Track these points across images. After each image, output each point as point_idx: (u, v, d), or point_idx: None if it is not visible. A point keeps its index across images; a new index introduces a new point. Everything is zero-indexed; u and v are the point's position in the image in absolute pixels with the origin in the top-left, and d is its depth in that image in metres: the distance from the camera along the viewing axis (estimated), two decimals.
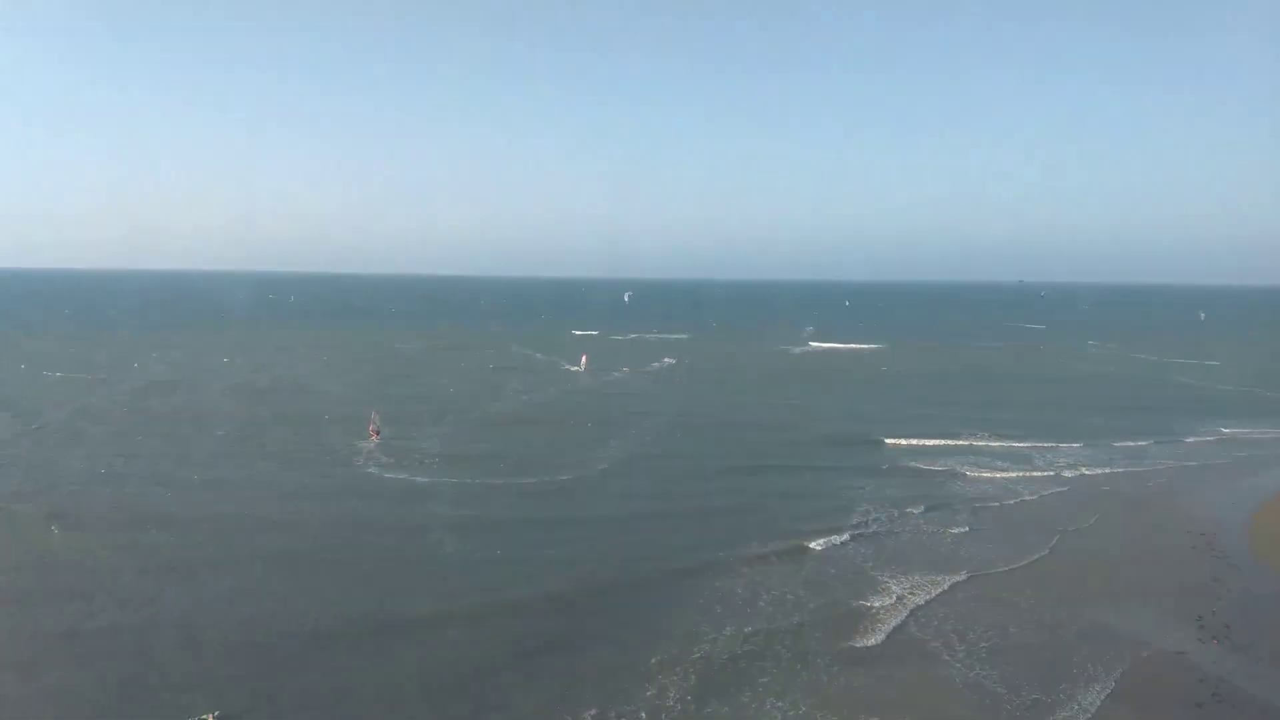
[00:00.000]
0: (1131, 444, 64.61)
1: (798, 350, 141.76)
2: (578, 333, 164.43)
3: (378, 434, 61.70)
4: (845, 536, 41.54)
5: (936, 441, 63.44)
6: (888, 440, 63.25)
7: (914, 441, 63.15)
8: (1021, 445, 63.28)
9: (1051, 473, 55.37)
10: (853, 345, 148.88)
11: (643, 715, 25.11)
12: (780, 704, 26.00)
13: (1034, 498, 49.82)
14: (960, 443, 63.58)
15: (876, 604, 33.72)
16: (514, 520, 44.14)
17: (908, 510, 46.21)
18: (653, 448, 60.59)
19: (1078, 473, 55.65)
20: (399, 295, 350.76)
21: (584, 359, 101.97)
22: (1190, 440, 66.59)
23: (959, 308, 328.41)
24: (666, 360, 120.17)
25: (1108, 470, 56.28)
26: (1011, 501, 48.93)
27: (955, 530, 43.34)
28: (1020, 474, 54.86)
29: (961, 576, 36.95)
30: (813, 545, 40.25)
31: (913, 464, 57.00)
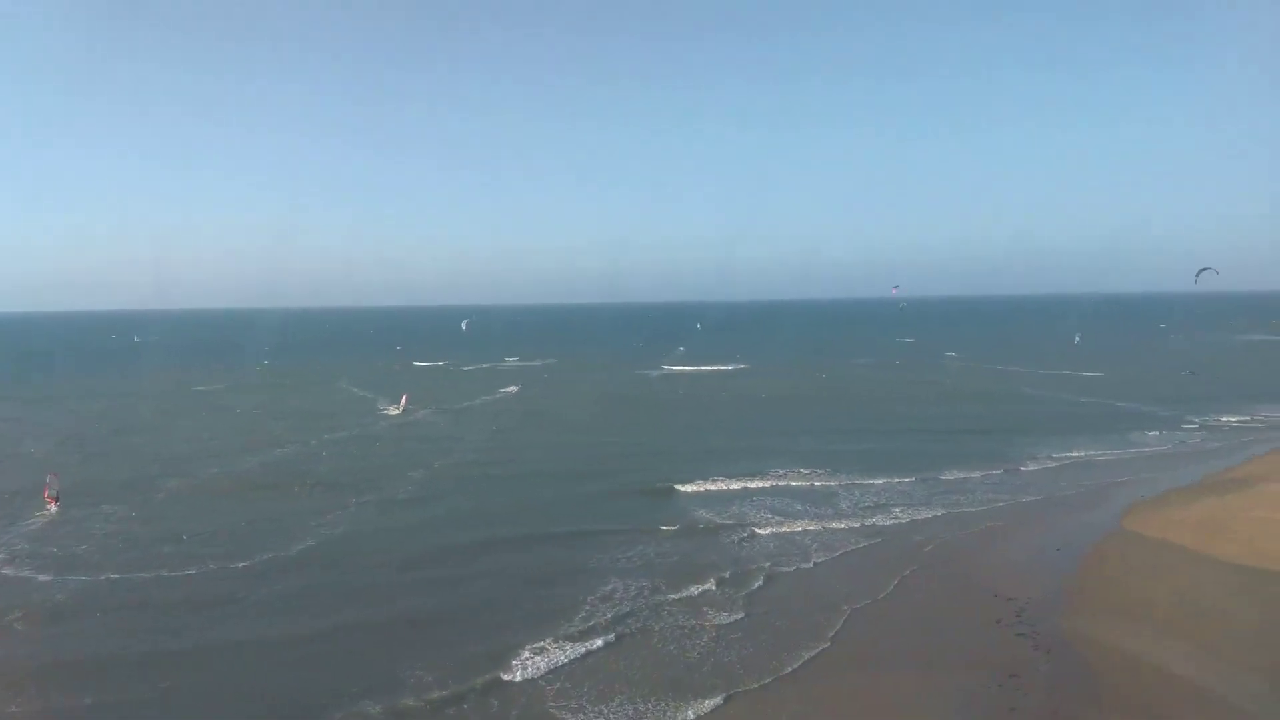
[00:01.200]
0: (962, 475, 56.84)
1: (655, 374, 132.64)
2: (420, 364, 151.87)
3: (56, 501, 49.34)
4: (566, 653, 30.55)
5: (740, 484, 54.03)
6: (684, 487, 53.27)
7: (714, 486, 53.49)
8: (835, 482, 54.51)
9: (858, 521, 46.40)
10: (714, 367, 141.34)
11: None
12: None
13: (832, 557, 40.71)
14: (766, 484, 54.32)
15: None
16: (99, 643, 31.52)
17: (668, 595, 35.92)
18: (399, 517, 48.68)
19: (890, 518, 46.99)
20: (278, 329, 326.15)
21: (404, 399, 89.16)
22: (1030, 468, 59.36)
23: (849, 323, 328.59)
24: (508, 390, 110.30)
25: (925, 513, 47.88)
26: (807, 565, 39.65)
27: (722, 620, 33.38)
28: (823, 525, 45.67)
29: (716, 700, 26.81)
30: (509, 674, 28.85)
31: (702, 517, 47.19)
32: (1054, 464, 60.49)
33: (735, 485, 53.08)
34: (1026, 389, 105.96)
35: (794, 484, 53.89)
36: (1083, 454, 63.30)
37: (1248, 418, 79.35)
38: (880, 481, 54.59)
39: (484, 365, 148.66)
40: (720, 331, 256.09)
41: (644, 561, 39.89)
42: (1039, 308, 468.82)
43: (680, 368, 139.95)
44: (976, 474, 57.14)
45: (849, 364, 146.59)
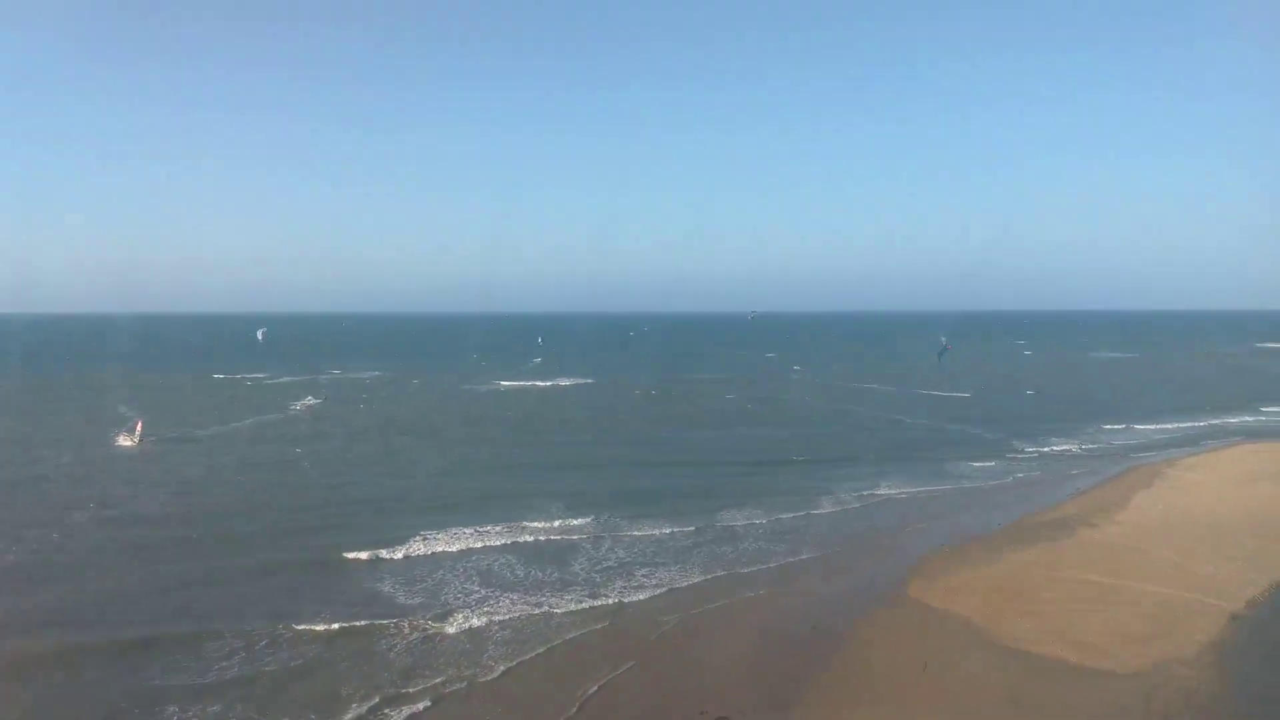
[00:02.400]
0: (745, 520, 47.78)
1: (484, 389, 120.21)
2: (219, 376, 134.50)
3: None
4: None
5: (464, 542, 42.73)
6: (387, 552, 41.17)
7: (427, 547, 41.87)
8: (583, 534, 44.35)
9: (588, 594, 35.92)
10: (553, 382, 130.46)
11: None
12: None
13: (530, 658, 30.00)
14: (499, 538, 43.38)
15: None
16: None
17: None
18: None
19: (632, 586, 36.95)
20: (119, 334, 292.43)
21: (139, 426, 73.12)
22: (825, 510, 51.01)
23: (720, 336, 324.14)
24: (294, 409, 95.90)
25: (678, 576, 38.13)
26: (491, 675, 28.81)
27: None
28: (541, 602, 34.90)
29: None
30: None
31: (383, 598, 35.69)
32: (856, 503, 52.19)
33: (456, 546, 41.78)
34: (860, 408, 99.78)
35: (533, 537, 43.11)
36: (891, 490, 55.46)
37: (1076, 445, 74.38)
38: (642, 531, 44.58)
39: (295, 379, 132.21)
40: (600, 346, 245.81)
41: (247, 687, 27.69)
42: (919, 323, 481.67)
43: (516, 383, 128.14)
44: (762, 518, 47.99)
45: (693, 379, 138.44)
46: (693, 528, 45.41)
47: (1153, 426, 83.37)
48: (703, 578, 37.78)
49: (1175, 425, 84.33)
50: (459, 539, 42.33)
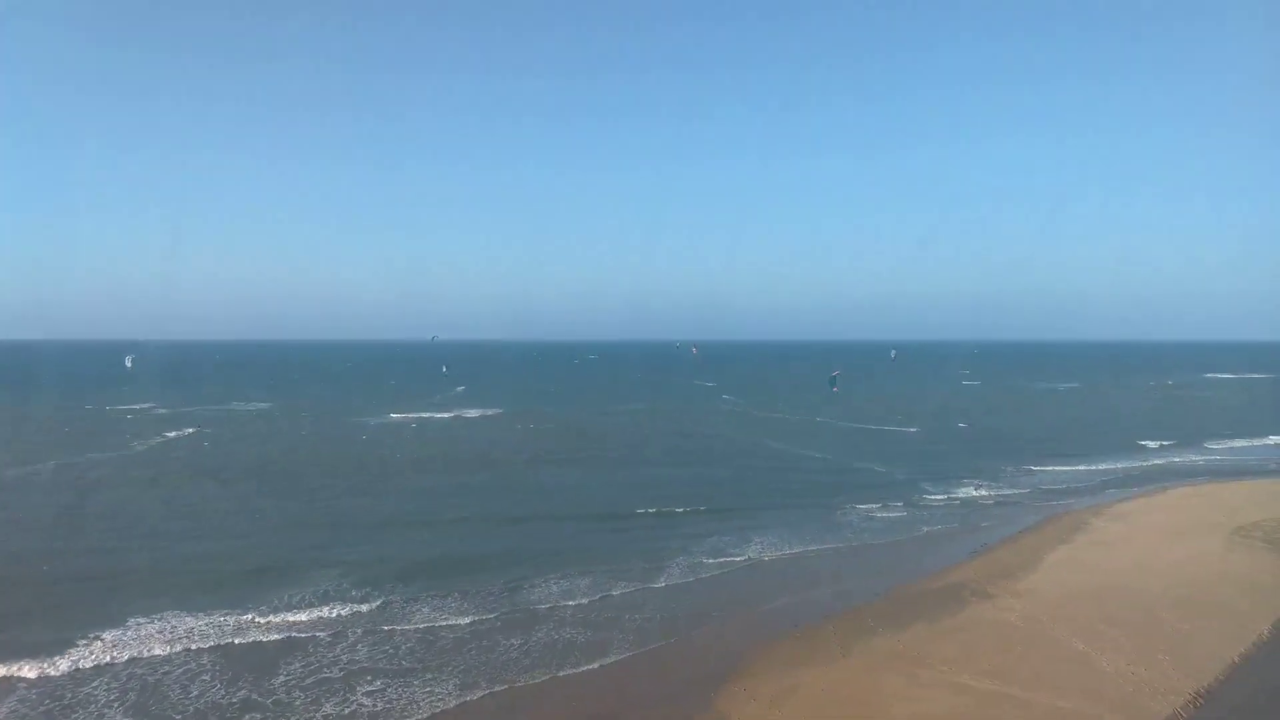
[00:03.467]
0: (545, 600, 37.90)
1: (373, 422, 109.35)
2: (89, 407, 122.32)
3: None
4: None
5: (136, 650, 32.25)
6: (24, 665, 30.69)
7: (79, 658, 31.29)
8: (319, 629, 33.91)
9: None
10: (457, 413, 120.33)
11: None
12: None
13: None
14: (196, 644, 32.87)
15: None
16: None
17: None
18: None
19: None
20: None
21: None
22: (662, 583, 41.66)
23: (663, 365, 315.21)
24: (155, 442, 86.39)
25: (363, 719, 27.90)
26: None
27: None
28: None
29: None
30: None
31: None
32: (714, 569, 43.07)
33: (150, 647, 31.60)
34: (775, 443, 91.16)
35: (260, 635, 32.88)
36: (762, 551, 46.54)
37: (996, 488, 66.14)
38: (416, 620, 34.78)
39: (173, 410, 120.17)
40: (539, 375, 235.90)
41: None
42: (877, 350, 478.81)
43: (414, 414, 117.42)
44: (585, 595, 38.73)
45: (617, 410, 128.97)
46: (491, 613, 35.68)
47: (1085, 467, 75.63)
48: (456, 698, 27.96)
49: (1110, 465, 76.69)
50: (162, 635, 32.17)
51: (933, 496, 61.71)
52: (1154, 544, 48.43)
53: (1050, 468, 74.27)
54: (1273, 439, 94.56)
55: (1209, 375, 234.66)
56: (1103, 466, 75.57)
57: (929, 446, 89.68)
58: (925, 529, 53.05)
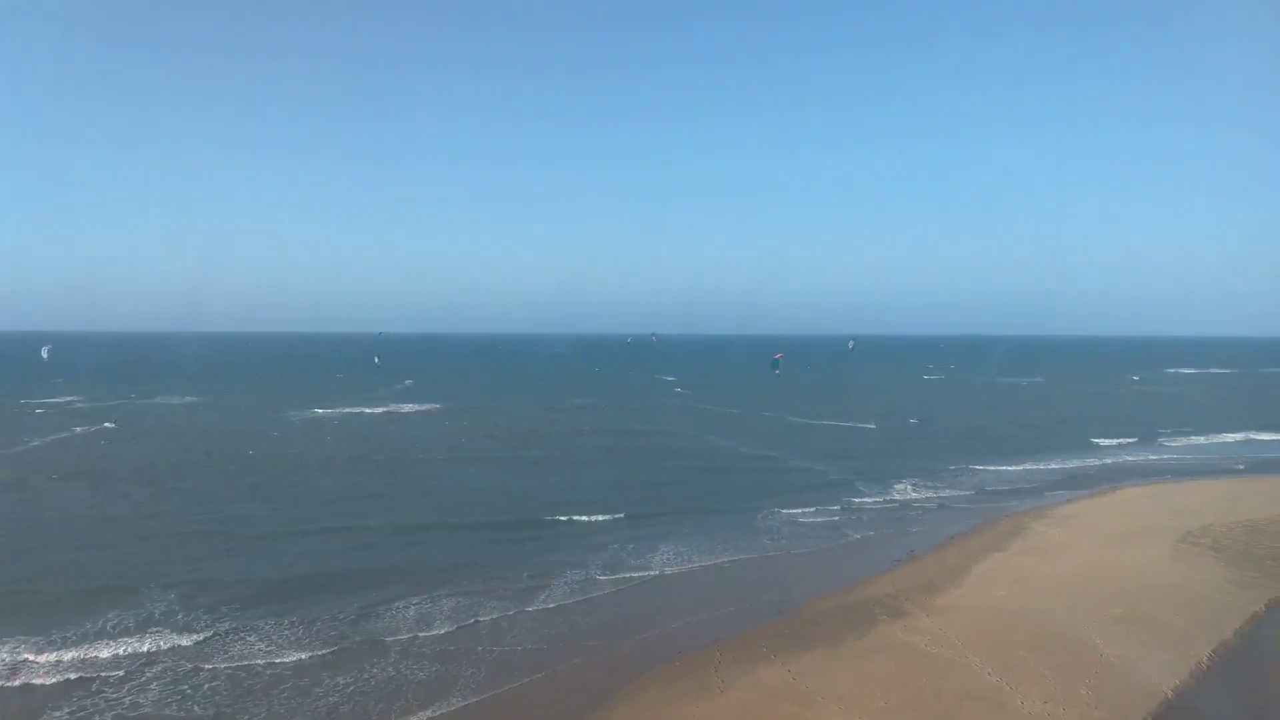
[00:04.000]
0: (398, 630, 33.26)
1: (296, 417, 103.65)
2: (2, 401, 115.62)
3: None
4: None
5: None
6: None
7: None
8: (106, 669, 29.02)
9: None
10: (390, 408, 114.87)
11: None
12: None
13: None
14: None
15: None
16: None
17: None
18: None
19: None
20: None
21: None
22: (550, 602, 36.98)
23: (631, 358, 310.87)
24: (72, 433, 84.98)
25: None
26: None
27: None
28: None
29: None
30: None
31: None
32: (606, 587, 38.85)
33: None
34: (719, 439, 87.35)
35: (44, 677, 27.71)
36: (666, 564, 42.34)
37: (936, 488, 62.47)
38: (235, 657, 29.84)
39: (91, 404, 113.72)
40: (502, 369, 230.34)
41: None
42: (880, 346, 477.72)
43: (344, 409, 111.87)
44: (451, 622, 34.27)
45: (567, 405, 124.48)
46: (327, 647, 30.95)
47: (1033, 466, 72.27)
48: None
49: (1059, 464, 73.34)
50: None
51: (869, 499, 57.85)
52: (1093, 552, 44.77)
53: (996, 467, 70.81)
54: (1231, 436, 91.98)
55: (1171, 370, 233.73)
56: (1052, 465, 72.25)
57: (877, 444, 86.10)
58: (854, 535, 49.11)
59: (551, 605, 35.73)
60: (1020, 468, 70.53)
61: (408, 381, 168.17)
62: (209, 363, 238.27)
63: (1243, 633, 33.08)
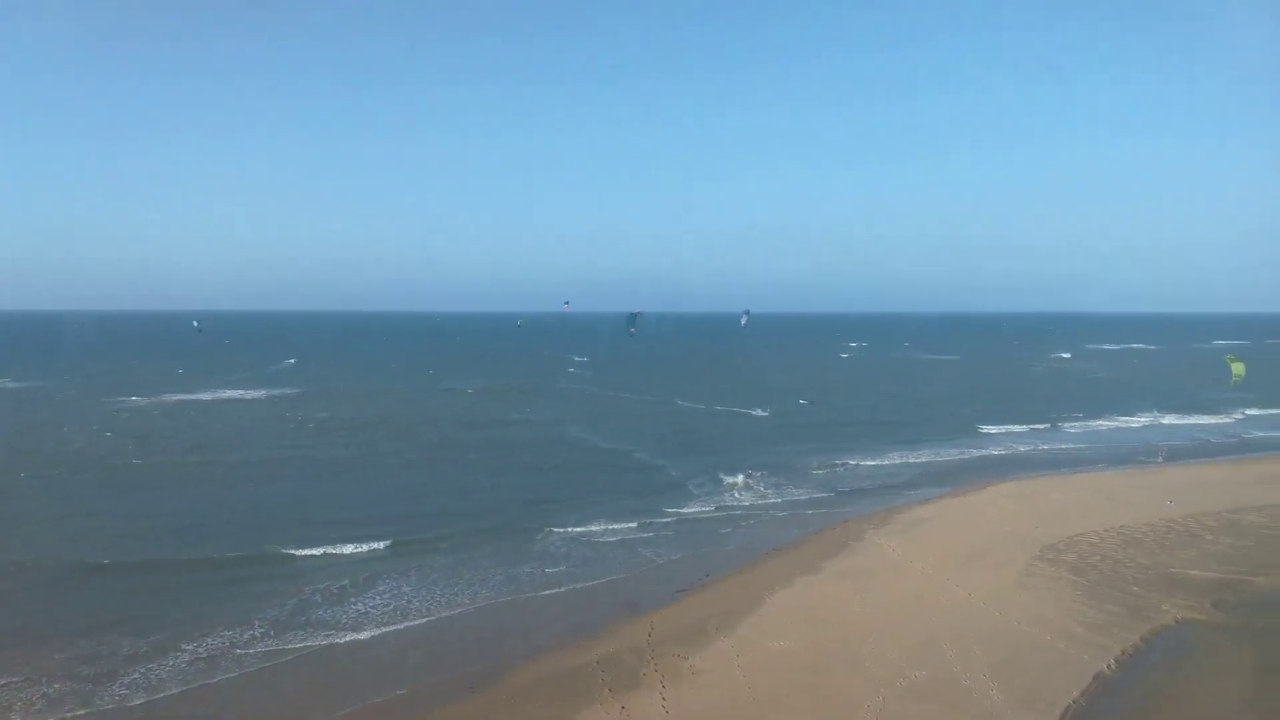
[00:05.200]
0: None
1: (115, 405, 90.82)
2: None
3: None
4: None
5: None
6: None
7: None
8: None
9: None
10: (238, 393, 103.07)
11: None
12: None
13: None
14: None
15: None
16: None
17: None
18: None
19: None
20: None
21: None
22: (155, 693, 26.43)
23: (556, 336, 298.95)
24: None
25: None
26: None
27: None
28: None
29: None
30: None
31: None
32: (256, 662, 28.45)
33: None
34: (581, 431, 78.70)
35: None
36: (344, 628, 31.92)
37: (775, 490, 53.77)
38: None
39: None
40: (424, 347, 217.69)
41: None
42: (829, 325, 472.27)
43: (171, 396, 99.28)
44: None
45: (447, 388, 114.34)
46: None
47: (904, 458, 64.20)
48: None
49: (934, 455, 65.53)
50: None
51: (695, 507, 48.75)
52: (927, 574, 36.05)
53: (863, 460, 62.53)
54: (1134, 420, 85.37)
55: (1091, 346, 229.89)
56: (923, 458, 64.19)
57: (755, 430, 77.84)
58: (648, 556, 39.90)
59: (138, 701, 25.29)
60: (888, 461, 62.28)
61: (289, 361, 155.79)
62: (80, 343, 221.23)
63: (1077, 711, 24.33)
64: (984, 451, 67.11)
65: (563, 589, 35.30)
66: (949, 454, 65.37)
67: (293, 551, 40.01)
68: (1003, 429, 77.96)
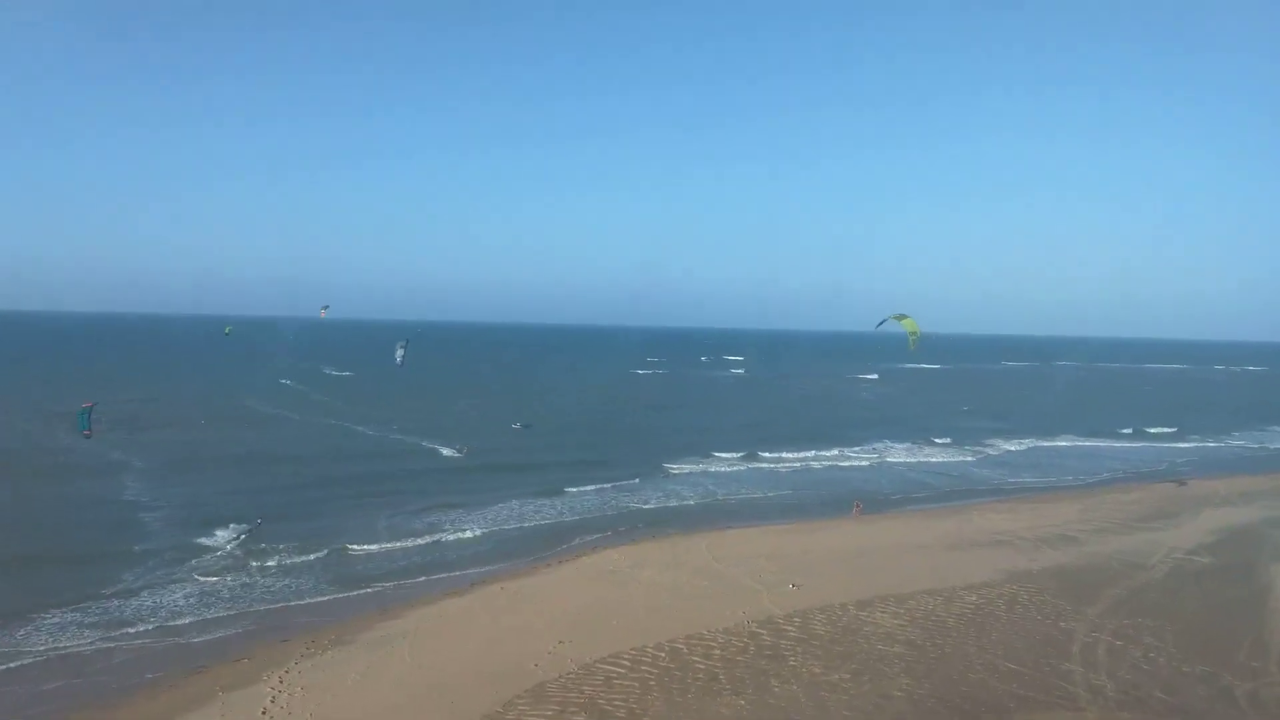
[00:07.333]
0: None
1: None
2: None
3: None
4: None
5: None
6: None
7: None
8: None
9: None
10: None
11: None
12: None
13: None
14: None
15: None
16: None
17: None
18: None
19: None
20: None
21: None
22: None
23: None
24: None
25: None
26: None
27: None
28: None
29: None
30: None
31: None
32: None
33: None
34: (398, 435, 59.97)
35: None
36: None
37: (278, 579, 39.77)
38: None
39: None
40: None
41: None
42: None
43: None
44: None
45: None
46: None
47: (538, 507, 50.51)
48: None
49: (562, 510, 51.90)
50: None
51: (123, 626, 32.41)
52: None
53: (458, 519, 47.87)
54: (868, 454, 75.44)
55: (910, 366, 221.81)
56: (556, 509, 50.62)
57: (413, 472, 62.37)
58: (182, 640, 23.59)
59: None
60: (486, 527, 47.02)
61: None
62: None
63: None
64: (653, 503, 53.92)
65: None
66: (598, 505, 52.21)
67: None
68: (688, 468, 65.30)
